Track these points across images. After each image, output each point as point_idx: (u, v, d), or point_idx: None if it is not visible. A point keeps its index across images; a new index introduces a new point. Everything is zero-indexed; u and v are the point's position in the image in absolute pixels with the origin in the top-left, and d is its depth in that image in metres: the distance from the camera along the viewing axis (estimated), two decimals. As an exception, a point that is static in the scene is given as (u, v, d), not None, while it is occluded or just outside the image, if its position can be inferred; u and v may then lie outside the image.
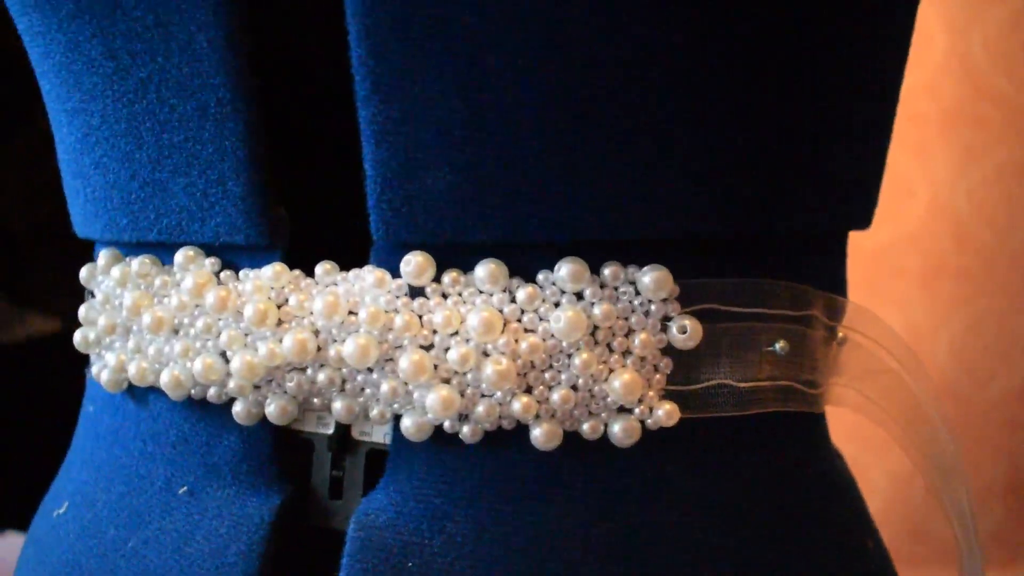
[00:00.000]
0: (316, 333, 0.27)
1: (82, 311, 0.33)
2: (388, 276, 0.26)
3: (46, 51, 0.31)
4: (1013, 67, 1.44)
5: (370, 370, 0.26)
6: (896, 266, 1.42)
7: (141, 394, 0.32)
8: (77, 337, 0.33)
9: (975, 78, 1.45)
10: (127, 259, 0.32)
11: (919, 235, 1.44)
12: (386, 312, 0.26)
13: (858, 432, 0.32)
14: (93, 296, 0.33)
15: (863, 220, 0.31)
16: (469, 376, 0.26)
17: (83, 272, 0.34)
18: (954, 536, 0.34)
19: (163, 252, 0.31)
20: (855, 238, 0.33)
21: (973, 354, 1.46)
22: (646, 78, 0.24)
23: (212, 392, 0.29)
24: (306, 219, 0.29)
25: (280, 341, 0.27)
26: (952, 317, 1.47)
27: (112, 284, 0.31)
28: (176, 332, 0.29)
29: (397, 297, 0.26)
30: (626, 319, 0.26)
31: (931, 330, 1.46)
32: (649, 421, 0.26)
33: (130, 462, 0.32)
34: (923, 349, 1.46)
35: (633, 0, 0.23)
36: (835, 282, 0.31)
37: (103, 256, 0.32)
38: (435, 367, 0.26)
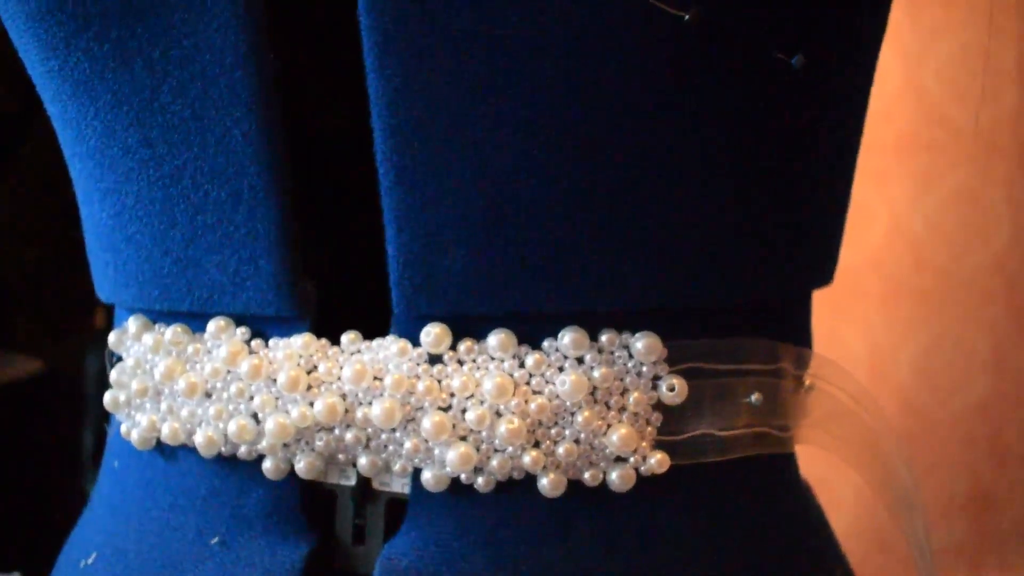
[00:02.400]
0: (344, 397, 0.30)
1: (113, 375, 0.35)
2: (409, 346, 0.29)
3: (80, 135, 0.33)
4: (963, 96, 1.51)
5: (393, 430, 0.29)
6: (857, 288, 1.47)
7: (170, 451, 0.35)
8: (107, 398, 0.36)
9: (928, 106, 1.51)
10: (157, 326, 0.34)
11: (879, 258, 1.49)
12: (408, 378, 0.29)
13: (824, 453, 0.36)
14: (120, 360, 0.36)
15: (827, 279, 0.35)
16: (484, 434, 0.29)
17: (112, 337, 0.36)
18: (912, 556, 0.38)
19: (192, 320, 0.33)
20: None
21: (933, 372, 1.51)
22: (646, 173, 0.28)
23: (243, 450, 0.32)
24: (328, 290, 0.32)
25: (311, 404, 0.30)
26: (912, 336, 1.52)
27: (144, 350, 0.34)
28: (208, 396, 0.32)
29: (418, 364, 0.29)
30: (621, 380, 0.29)
31: (892, 349, 1.51)
32: (643, 469, 0.30)
33: (160, 515, 0.34)
34: (885, 368, 1.51)
35: (635, 105, 0.27)
36: (802, 335, 0.35)
37: (133, 323, 0.35)
38: (453, 426, 0.29)
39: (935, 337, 1.50)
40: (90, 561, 0.36)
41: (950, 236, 1.51)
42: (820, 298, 0.36)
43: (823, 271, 0.35)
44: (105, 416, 0.39)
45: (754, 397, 0.31)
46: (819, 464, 0.41)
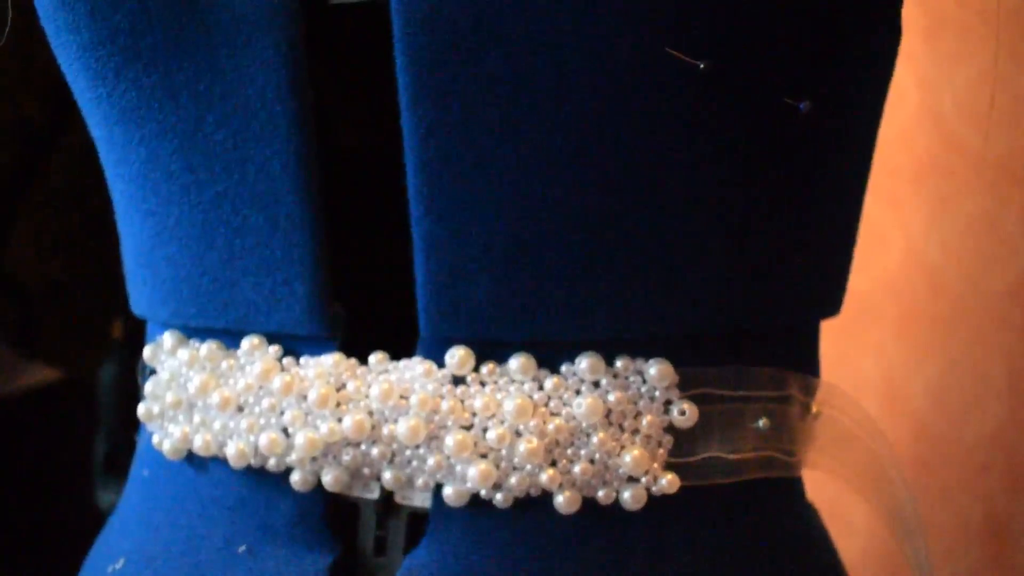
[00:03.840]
0: (371, 414, 0.31)
1: (148, 387, 0.37)
2: (435, 367, 0.31)
3: (124, 159, 0.35)
4: (980, 122, 1.50)
5: (417, 446, 0.31)
6: (873, 313, 1.47)
7: (200, 462, 0.36)
8: (141, 410, 0.37)
9: (945, 132, 1.51)
10: (192, 342, 0.36)
11: (895, 283, 1.49)
12: (433, 398, 0.30)
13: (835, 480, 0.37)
14: (154, 373, 0.38)
15: (834, 309, 0.36)
16: (504, 452, 0.30)
17: (146, 351, 0.38)
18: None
19: (226, 337, 0.35)
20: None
21: (948, 398, 1.50)
22: (660, 210, 0.29)
23: (272, 462, 0.33)
24: (356, 311, 0.34)
25: (339, 420, 0.31)
26: (927, 362, 1.51)
27: (179, 364, 0.36)
28: (241, 410, 0.34)
29: (442, 385, 0.31)
30: (635, 404, 0.31)
31: (907, 375, 1.50)
32: (654, 489, 0.31)
33: (189, 522, 0.36)
34: (899, 393, 1.50)
35: (651, 145, 0.29)
36: (809, 364, 0.36)
37: (168, 339, 0.37)
38: (475, 444, 0.30)
39: (950, 363, 1.49)
40: (118, 566, 0.38)
41: (966, 262, 1.50)
42: (835, 322, 0.37)
43: (831, 302, 0.36)
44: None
45: (762, 422, 0.33)
46: (830, 490, 0.42)
